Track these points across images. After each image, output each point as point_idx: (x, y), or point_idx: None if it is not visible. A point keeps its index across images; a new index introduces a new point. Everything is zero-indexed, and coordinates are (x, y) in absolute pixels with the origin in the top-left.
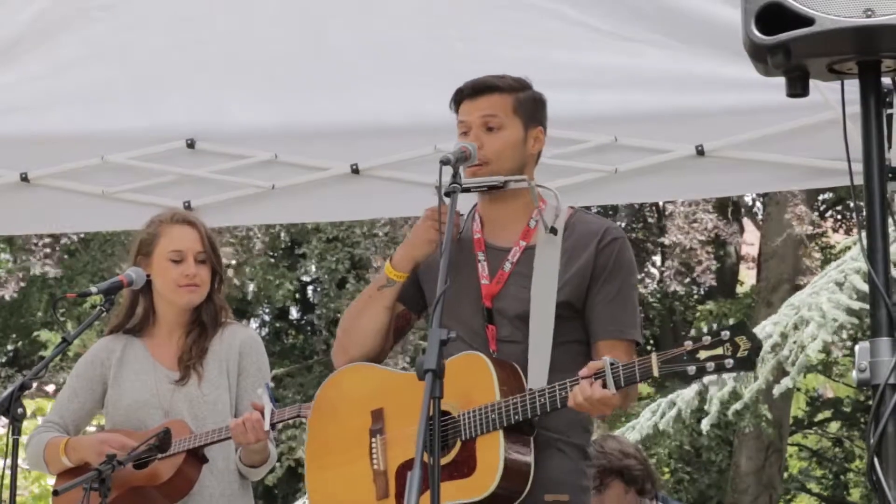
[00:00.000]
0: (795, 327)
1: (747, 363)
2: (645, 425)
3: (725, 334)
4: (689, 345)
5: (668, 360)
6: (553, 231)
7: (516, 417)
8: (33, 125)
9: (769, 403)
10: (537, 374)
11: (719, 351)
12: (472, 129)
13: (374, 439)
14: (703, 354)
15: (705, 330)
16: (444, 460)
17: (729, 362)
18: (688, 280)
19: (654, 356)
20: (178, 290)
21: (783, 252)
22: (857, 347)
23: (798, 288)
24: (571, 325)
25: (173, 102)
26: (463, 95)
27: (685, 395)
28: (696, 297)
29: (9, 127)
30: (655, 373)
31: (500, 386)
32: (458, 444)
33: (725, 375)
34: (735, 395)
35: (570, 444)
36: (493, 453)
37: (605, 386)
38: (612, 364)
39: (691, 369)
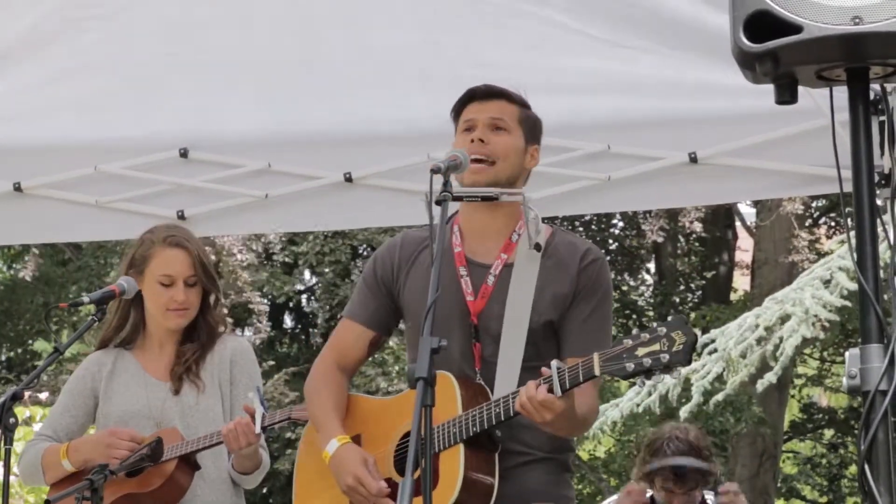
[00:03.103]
0: (782, 322)
1: (682, 356)
2: (627, 405)
3: (662, 330)
4: (628, 343)
5: (609, 359)
6: (538, 248)
7: (474, 429)
8: (26, 135)
9: (763, 407)
10: (504, 393)
11: (656, 347)
12: (479, 127)
13: None
14: (641, 351)
15: (646, 328)
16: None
17: (664, 357)
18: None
19: (595, 356)
20: (167, 314)
21: (775, 235)
22: (847, 354)
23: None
24: (550, 345)
25: (166, 112)
26: (475, 97)
27: (668, 380)
28: (690, 303)
29: (1, 137)
30: (597, 372)
31: (463, 403)
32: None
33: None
34: (720, 385)
35: (551, 460)
36: (454, 467)
37: (551, 390)
38: (558, 368)
39: (629, 366)
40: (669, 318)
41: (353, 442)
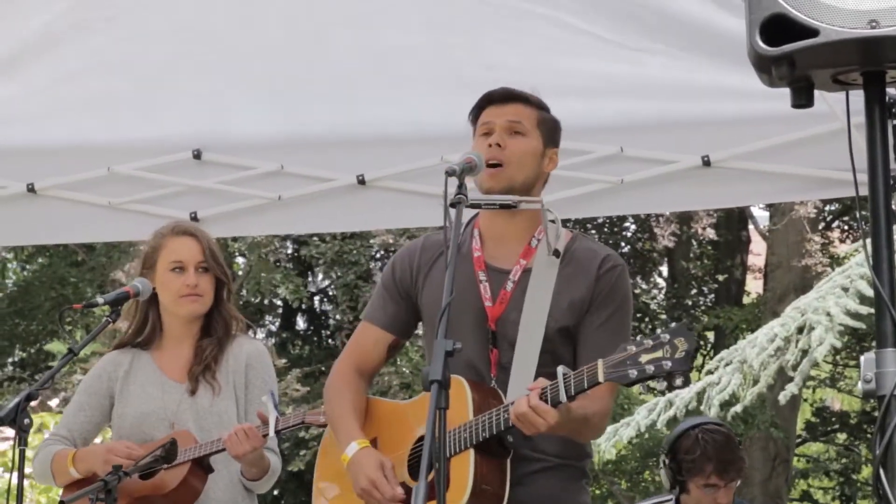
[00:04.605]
0: (800, 331)
1: (684, 362)
2: (642, 423)
3: (665, 337)
4: (632, 349)
5: (613, 366)
6: (556, 254)
7: (484, 434)
8: (39, 136)
9: (776, 411)
10: (517, 397)
11: (659, 353)
12: (496, 130)
13: None
14: (644, 358)
15: (650, 335)
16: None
17: (667, 363)
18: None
19: (600, 362)
20: (180, 301)
21: (787, 235)
22: (862, 358)
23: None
24: (567, 351)
25: (179, 113)
26: (492, 100)
27: (683, 396)
28: (703, 306)
29: (15, 138)
30: (601, 378)
31: (474, 408)
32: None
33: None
34: (735, 398)
35: (567, 467)
36: (464, 472)
37: (556, 395)
38: (564, 374)
39: (632, 373)
40: (673, 325)
41: (372, 437)
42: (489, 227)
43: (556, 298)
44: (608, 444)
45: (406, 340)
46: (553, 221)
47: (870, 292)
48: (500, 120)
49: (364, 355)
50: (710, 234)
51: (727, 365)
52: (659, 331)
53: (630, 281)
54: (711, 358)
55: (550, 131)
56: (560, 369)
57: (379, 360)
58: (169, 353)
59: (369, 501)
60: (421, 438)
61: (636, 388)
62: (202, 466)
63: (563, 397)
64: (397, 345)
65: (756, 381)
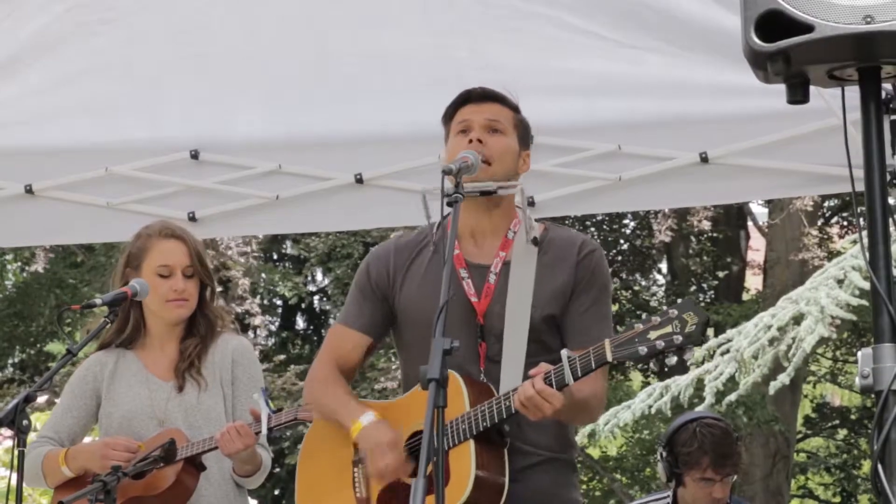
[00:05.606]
0: (796, 322)
1: (695, 336)
2: (639, 407)
3: (673, 312)
4: (639, 327)
5: (621, 344)
6: (535, 241)
7: (484, 424)
8: (37, 138)
9: (776, 407)
10: (509, 388)
11: (668, 329)
12: (475, 128)
13: (356, 469)
14: (653, 334)
15: (657, 312)
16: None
17: (677, 338)
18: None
19: (607, 342)
20: (167, 306)
21: (786, 231)
22: (859, 354)
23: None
24: (554, 339)
25: (177, 114)
26: (470, 99)
27: (680, 382)
28: (702, 303)
29: (13, 139)
30: (609, 357)
31: (470, 401)
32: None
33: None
34: (732, 385)
35: (558, 460)
36: (465, 464)
37: (562, 378)
38: (569, 357)
39: (642, 349)
40: (679, 301)
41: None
42: (464, 225)
43: (538, 287)
44: (607, 428)
45: (380, 343)
46: (529, 211)
47: (863, 284)
48: (479, 118)
49: (341, 359)
50: (706, 225)
51: (724, 354)
52: (665, 307)
53: (607, 263)
54: (712, 356)
55: (524, 133)
56: (564, 352)
57: (356, 364)
58: (154, 352)
59: (382, 465)
60: (415, 434)
61: (637, 384)
62: (194, 465)
63: (569, 380)
64: (373, 347)
65: (752, 371)
